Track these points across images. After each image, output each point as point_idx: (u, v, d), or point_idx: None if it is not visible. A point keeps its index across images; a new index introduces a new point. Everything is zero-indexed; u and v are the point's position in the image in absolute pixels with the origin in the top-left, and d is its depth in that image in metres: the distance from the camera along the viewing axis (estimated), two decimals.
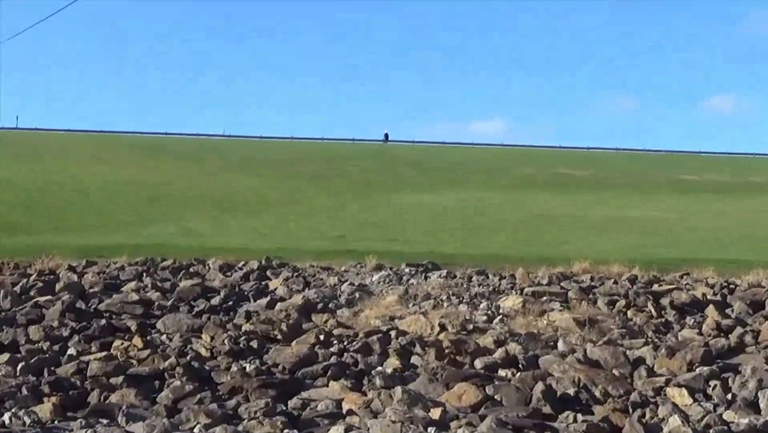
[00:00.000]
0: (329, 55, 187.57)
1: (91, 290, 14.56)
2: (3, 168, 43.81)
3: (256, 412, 8.25)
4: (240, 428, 7.66)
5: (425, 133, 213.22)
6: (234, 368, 9.99)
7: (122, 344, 10.93)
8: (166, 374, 9.70)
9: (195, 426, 7.77)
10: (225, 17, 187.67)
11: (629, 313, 13.45)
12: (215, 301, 14.05)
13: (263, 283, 15.71)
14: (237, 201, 34.64)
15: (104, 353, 10.55)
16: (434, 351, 10.63)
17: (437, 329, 11.94)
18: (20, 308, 13.08)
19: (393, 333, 11.58)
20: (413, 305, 13.89)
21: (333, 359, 10.42)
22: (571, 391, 9.03)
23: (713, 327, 12.32)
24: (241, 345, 10.94)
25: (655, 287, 15.42)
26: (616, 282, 15.86)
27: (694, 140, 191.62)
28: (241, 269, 17.08)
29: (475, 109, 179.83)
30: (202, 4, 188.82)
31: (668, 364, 10.28)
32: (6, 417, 7.92)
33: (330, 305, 13.84)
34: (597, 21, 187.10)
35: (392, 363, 10.30)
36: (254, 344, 11.06)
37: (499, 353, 10.62)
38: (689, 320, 13.03)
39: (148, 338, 11.43)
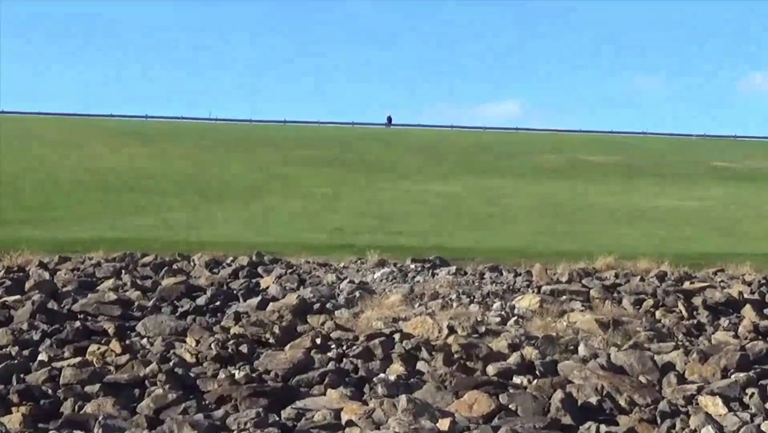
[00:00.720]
0: (325, 32, 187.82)
1: (64, 289, 14.58)
2: None
3: (246, 423, 8.27)
4: None
5: (432, 117, 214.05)
6: (222, 374, 10.00)
7: (98, 348, 10.95)
8: (147, 381, 9.71)
9: None
10: None
11: (657, 313, 13.45)
12: (201, 301, 14.05)
13: (254, 281, 15.72)
14: (225, 189, 34.66)
15: (79, 359, 10.56)
16: (442, 356, 10.64)
17: (446, 331, 11.95)
18: None
19: (397, 336, 11.59)
20: (419, 305, 13.89)
21: (331, 365, 10.43)
22: (594, 400, 9.04)
23: (750, 329, 12.31)
24: (229, 350, 10.96)
25: (687, 284, 15.42)
26: (643, 279, 15.86)
27: (729, 123, 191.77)
28: (229, 265, 17.09)
29: (486, 90, 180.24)
30: None
31: (700, 370, 10.28)
32: None
33: (327, 306, 13.84)
34: None
35: (396, 369, 10.32)
36: (244, 348, 11.08)
37: (513, 358, 10.63)
38: (724, 322, 13.03)
39: (127, 341, 11.44)
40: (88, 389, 9.47)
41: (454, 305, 13.86)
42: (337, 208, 29.19)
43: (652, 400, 9.06)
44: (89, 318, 12.96)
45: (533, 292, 14.61)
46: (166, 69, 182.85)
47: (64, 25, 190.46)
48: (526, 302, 13.81)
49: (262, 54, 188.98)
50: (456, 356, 10.67)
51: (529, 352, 10.90)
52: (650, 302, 14.02)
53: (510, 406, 8.86)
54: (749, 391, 9.30)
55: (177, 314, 13.30)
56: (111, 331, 11.96)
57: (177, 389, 9.28)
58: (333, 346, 11.28)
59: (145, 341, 11.68)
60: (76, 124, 70.73)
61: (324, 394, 9.54)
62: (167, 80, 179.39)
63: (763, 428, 8.16)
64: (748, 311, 13.42)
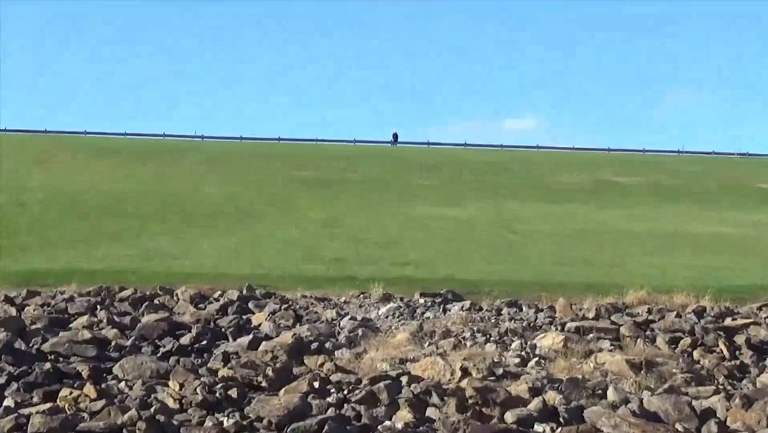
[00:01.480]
0: (327, 44, 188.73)
1: (32, 327, 14.58)
2: None
3: None
4: None
5: (442, 134, 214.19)
6: (208, 422, 10.00)
7: (71, 393, 10.95)
8: (125, 430, 9.71)
9: None
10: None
11: (696, 354, 13.43)
12: (185, 340, 14.05)
13: (244, 317, 15.73)
14: (212, 214, 34.68)
15: (49, 405, 10.56)
16: (455, 401, 10.62)
17: (459, 373, 11.93)
18: None
19: (404, 379, 11.58)
20: (429, 344, 13.88)
21: (330, 412, 10.42)
22: None
23: None
24: (217, 394, 10.95)
25: (728, 321, 15.40)
26: (679, 315, 15.84)
27: None
28: (216, 300, 17.10)
29: (502, 105, 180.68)
30: None
31: (744, 417, 10.26)
32: None
33: (327, 345, 13.83)
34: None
35: (403, 416, 10.30)
36: (233, 392, 11.07)
37: (535, 404, 10.61)
38: None
39: (103, 385, 11.44)
40: None
41: (468, 344, 13.84)
42: (337, 235, 29.18)
43: None
44: (60, 359, 12.96)
45: (556, 329, 14.59)
46: (146, 81, 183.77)
47: (31, 31, 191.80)
48: (549, 340, 13.79)
49: (253, 65, 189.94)
50: (470, 401, 10.65)
51: (552, 397, 10.88)
52: (687, 340, 14.00)
53: None
54: None
55: (158, 355, 13.29)
56: (85, 373, 11.96)
57: None
58: (333, 390, 11.27)
59: (123, 384, 11.67)
60: (45, 142, 70.96)
61: None
62: (148, 94, 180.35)
63: None
64: None
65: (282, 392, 11.21)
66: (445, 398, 10.86)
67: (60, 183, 43.91)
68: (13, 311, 15.67)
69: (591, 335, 14.22)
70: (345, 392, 11.21)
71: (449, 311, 16.20)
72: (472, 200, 44.03)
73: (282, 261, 22.68)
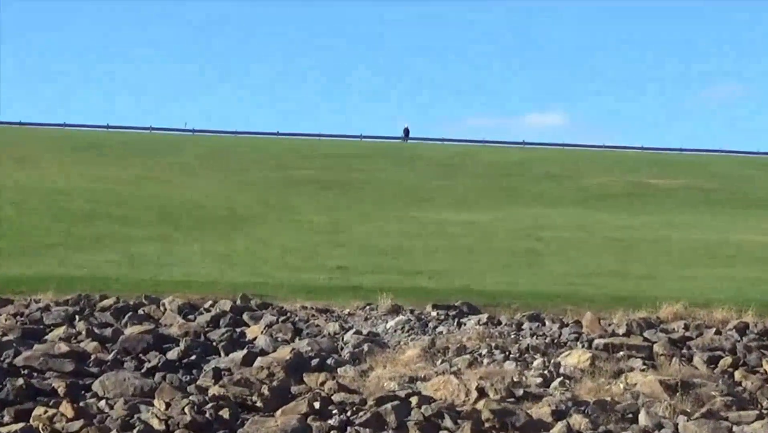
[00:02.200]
0: (330, 29, 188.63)
1: (4, 339, 14.61)
2: None
3: None
4: None
5: (458, 129, 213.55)
6: None
7: (46, 412, 10.97)
8: None
9: None
10: None
11: (737, 374, 13.40)
12: (173, 354, 14.06)
13: (238, 330, 15.73)
14: (203, 217, 34.73)
15: (21, 425, 10.58)
16: (470, 425, 10.62)
17: (474, 394, 11.93)
18: None
19: (414, 400, 11.57)
20: (442, 361, 13.88)
21: None
22: None
23: None
24: (207, 415, 10.96)
25: None
26: (719, 332, 15.81)
27: None
28: (207, 310, 17.12)
29: (525, 98, 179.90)
30: None
31: None
32: None
33: (328, 361, 13.84)
34: None
35: None
36: (225, 413, 11.08)
37: (558, 428, 10.60)
38: None
39: (81, 404, 11.46)
40: None
41: (485, 361, 13.84)
42: (340, 241, 29.20)
43: None
44: (35, 374, 12.97)
45: (583, 347, 14.57)
46: (132, 69, 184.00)
47: (7, 20, 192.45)
48: (574, 359, 13.78)
49: (247, 52, 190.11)
50: (487, 424, 10.65)
51: (578, 421, 10.87)
52: (728, 360, 13.97)
53: None
54: None
55: (143, 371, 13.31)
56: (61, 390, 11.98)
57: None
58: (335, 411, 11.27)
59: (103, 403, 11.69)
60: (20, 136, 71.09)
61: None
62: (133, 83, 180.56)
63: None
64: None
65: (279, 413, 11.22)
66: (459, 421, 10.86)
67: (36, 181, 43.98)
68: None
69: (621, 353, 14.19)
70: (348, 413, 11.22)
71: (464, 325, 16.18)
72: (491, 204, 44.01)
73: (280, 269, 22.70)
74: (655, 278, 22.69)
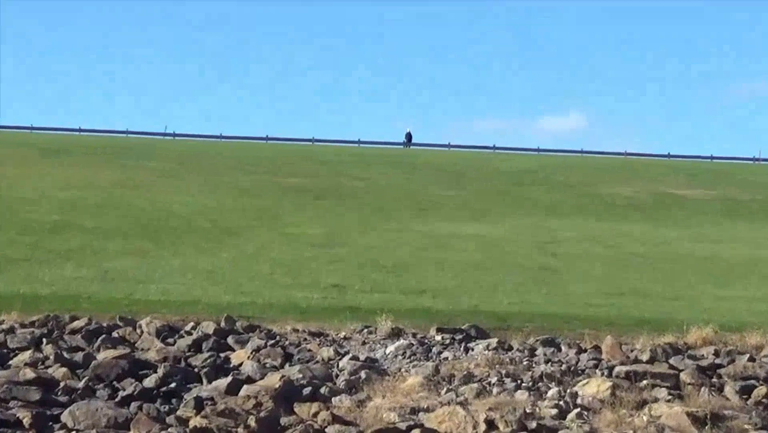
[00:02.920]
0: (326, 27, 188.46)
1: None
2: None
3: None
4: None
5: (465, 134, 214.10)
6: None
7: None
8: None
9: None
10: None
11: None
12: (150, 382, 14.05)
13: (222, 355, 15.73)
14: (184, 229, 34.73)
15: None
16: None
17: (483, 427, 11.93)
18: None
19: None
20: (447, 390, 13.87)
21: None
22: None
23: None
24: None
25: None
26: (753, 359, 15.82)
27: None
28: (188, 333, 17.11)
29: (539, 100, 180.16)
30: None
31: None
32: None
33: (322, 390, 13.83)
34: None
35: None
36: None
37: None
38: None
39: None
40: None
41: (495, 391, 13.84)
42: (336, 256, 29.21)
43: None
44: None
45: (602, 375, 14.57)
46: (107, 69, 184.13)
47: None
48: (593, 388, 13.78)
49: (233, 49, 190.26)
50: None
51: None
52: (762, 390, 13.96)
53: None
54: None
55: (117, 400, 13.30)
56: (27, 421, 11.97)
57: None
58: None
59: None
60: None
61: None
62: (106, 83, 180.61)
63: None
64: None
65: None
66: None
67: (0, 189, 43.96)
68: None
69: (644, 382, 14.19)
70: None
71: (472, 350, 16.19)
72: (502, 216, 44.03)
73: (269, 287, 22.70)
74: (682, 299, 22.71)
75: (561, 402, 13.36)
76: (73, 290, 21.02)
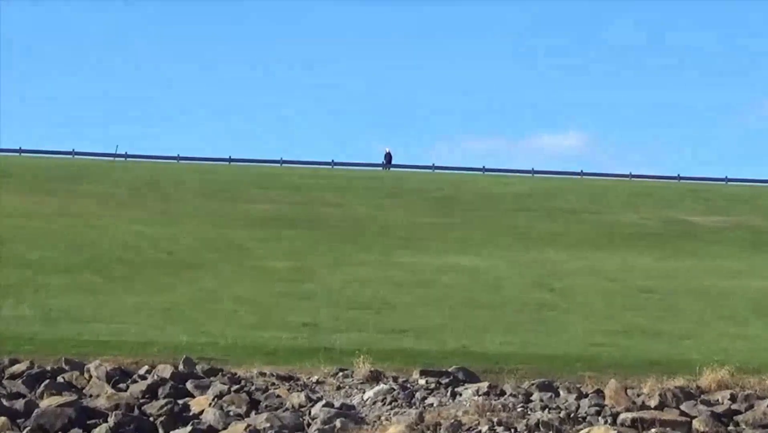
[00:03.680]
0: (294, 34, 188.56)
1: None
2: None
3: None
4: None
5: (451, 154, 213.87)
6: None
7: None
8: None
9: None
10: None
11: None
12: (100, 432, 14.03)
13: (180, 402, 15.72)
14: (137, 262, 34.68)
15: None
16: None
17: None
18: None
19: None
20: None
21: None
22: None
23: None
24: None
25: None
26: None
27: None
28: (143, 378, 17.10)
29: (534, 115, 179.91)
30: None
31: None
32: None
33: None
34: None
35: None
36: None
37: None
38: None
39: None
40: None
41: None
42: (307, 292, 29.21)
43: None
44: None
45: (606, 422, 14.62)
46: (49, 83, 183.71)
47: None
48: None
49: (192, 59, 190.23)
50: None
51: None
52: None
53: None
54: None
55: None
56: None
57: None
58: None
59: None
60: None
61: None
62: (49, 100, 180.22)
63: None
64: None
65: None
66: None
67: None
68: None
69: (653, 431, 14.24)
70: None
71: (460, 395, 16.22)
72: (493, 246, 44.06)
73: (232, 326, 22.69)
74: (695, 338, 22.77)
75: None
76: (13, 331, 20.97)
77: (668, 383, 16.78)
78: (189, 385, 16.59)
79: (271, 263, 35.79)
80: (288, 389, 16.56)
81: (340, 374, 17.47)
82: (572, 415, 15.19)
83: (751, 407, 15.73)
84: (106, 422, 14.39)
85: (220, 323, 23.21)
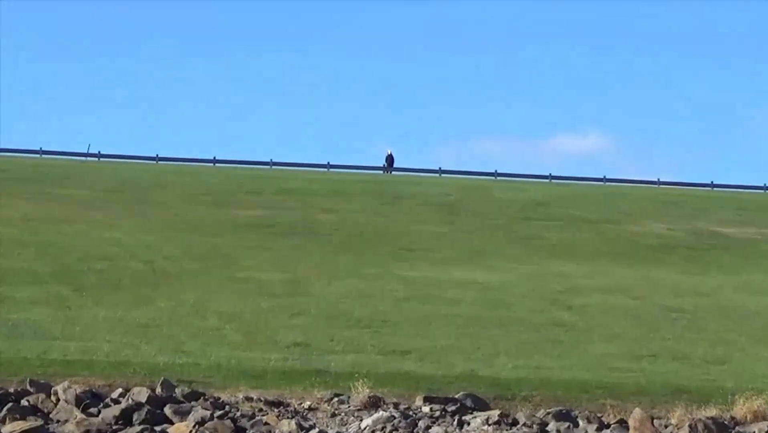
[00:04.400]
0: (290, 27, 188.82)
1: None
2: None
3: None
4: None
5: (459, 156, 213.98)
6: None
7: None
8: None
9: None
10: None
11: None
12: None
13: (158, 429, 15.70)
14: (111, 273, 34.65)
15: None
16: None
17: None
18: None
19: None
20: None
21: None
22: None
23: None
24: None
25: None
26: None
27: None
28: (116, 401, 17.07)
29: (550, 115, 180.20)
30: None
31: None
32: None
33: None
34: None
35: None
36: None
37: None
38: None
39: None
40: None
41: None
42: (299, 307, 29.19)
43: None
44: None
45: None
46: (15, 75, 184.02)
47: None
48: None
49: (177, 52, 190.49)
50: None
51: None
52: None
53: None
54: None
55: None
56: None
57: None
58: None
59: None
60: None
61: None
62: (16, 93, 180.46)
63: None
64: None
65: None
66: None
67: None
68: None
69: None
70: None
71: (468, 424, 16.20)
72: (505, 259, 44.06)
73: (216, 345, 22.66)
74: (728, 363, 22.74)
75: None
76: None
77: (698, 412, 16.75)
78: (167, 410, 16.56)
79: (260, 275, 35.78)
80: (277, 416, 16.54)
81: (335, 399, 17.45)
82: None
83: None
84: None
85: (201, 341, 23.19)
